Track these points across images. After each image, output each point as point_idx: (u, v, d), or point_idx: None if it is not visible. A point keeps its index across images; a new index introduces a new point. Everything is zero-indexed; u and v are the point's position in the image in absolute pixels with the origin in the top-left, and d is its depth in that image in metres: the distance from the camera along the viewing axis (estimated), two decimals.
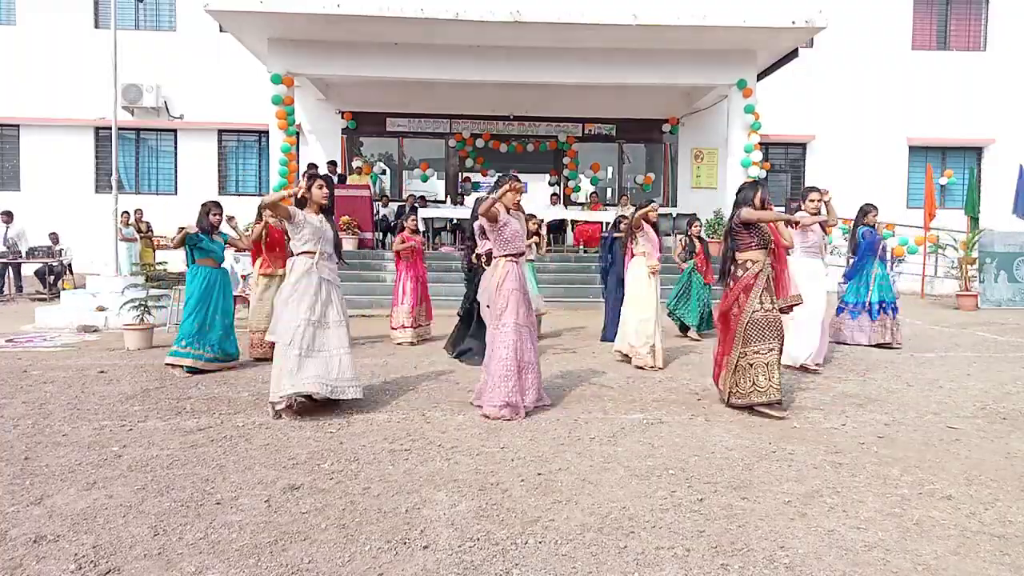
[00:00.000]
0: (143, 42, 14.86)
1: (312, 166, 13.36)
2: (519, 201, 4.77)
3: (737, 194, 4.76)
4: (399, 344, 7.57)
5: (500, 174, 4.86)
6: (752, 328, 4.49)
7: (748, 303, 4.53)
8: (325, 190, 4.72)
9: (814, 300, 6.09)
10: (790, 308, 4.81)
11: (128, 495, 3.10)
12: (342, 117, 15.18)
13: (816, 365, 6.23)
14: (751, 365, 4.51)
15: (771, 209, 4.73)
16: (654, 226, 6.61)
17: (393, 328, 7.75)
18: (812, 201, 6.41)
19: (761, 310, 4.51)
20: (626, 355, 6.49)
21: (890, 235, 14.17)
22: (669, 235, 10.52)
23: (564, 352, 7.11)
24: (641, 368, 6.21)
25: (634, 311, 6.40)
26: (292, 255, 4.68)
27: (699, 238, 8.60)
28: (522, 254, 4.73)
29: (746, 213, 4.59)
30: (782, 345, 4.57)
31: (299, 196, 4.67)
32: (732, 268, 4.68)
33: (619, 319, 6.71)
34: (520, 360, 4.53)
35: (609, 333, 7.60)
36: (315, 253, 4.58)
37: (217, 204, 6.26)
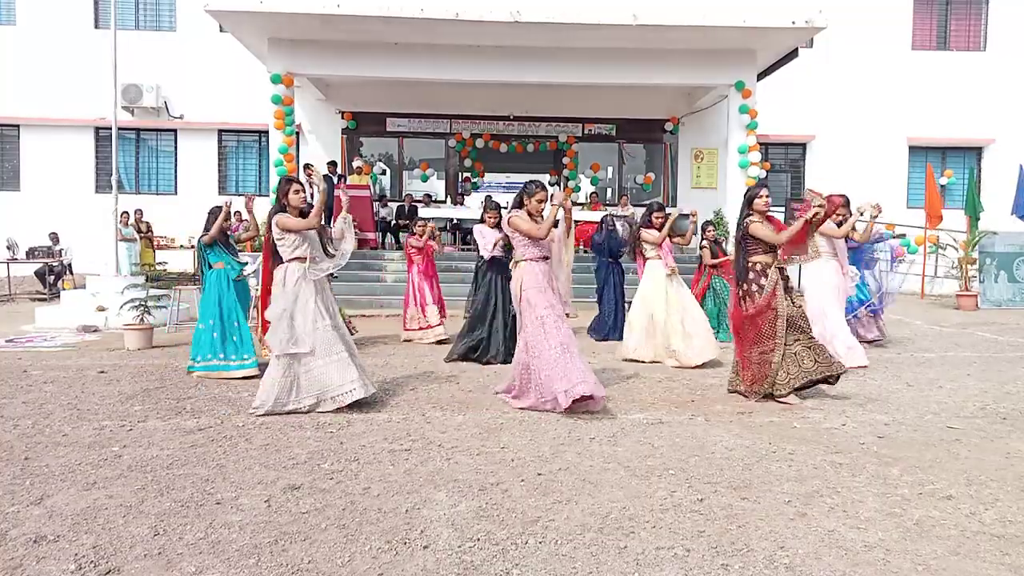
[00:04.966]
0: (143, 42, 14.83)
1: (308, 166, 13.35)
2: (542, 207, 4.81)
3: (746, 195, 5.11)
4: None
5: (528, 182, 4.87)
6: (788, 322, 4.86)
7: (778, 302, 4.85)
8: (302, 194, 4.70)
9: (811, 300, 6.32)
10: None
11: (128, 495, 3.10)
12: (342, 117, 15.16)
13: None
14: (795, 354, 4.85)
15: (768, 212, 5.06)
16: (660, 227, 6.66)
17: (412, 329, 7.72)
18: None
19: (792, 306, 4.88)
20: (632, 358, 6.46)
21: (890, 235, 14.19)
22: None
23: None
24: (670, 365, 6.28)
25: (642, 312, 6.43)
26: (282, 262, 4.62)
27: (714, 241, 8.04)
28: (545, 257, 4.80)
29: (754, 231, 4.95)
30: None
31: (280, 203, 4.69)
32: (749, 273, 4.94)
33: (617, 320, 6.69)
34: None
35: (603, 332, 7.61)
36: (306, 258, 4.57)
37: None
